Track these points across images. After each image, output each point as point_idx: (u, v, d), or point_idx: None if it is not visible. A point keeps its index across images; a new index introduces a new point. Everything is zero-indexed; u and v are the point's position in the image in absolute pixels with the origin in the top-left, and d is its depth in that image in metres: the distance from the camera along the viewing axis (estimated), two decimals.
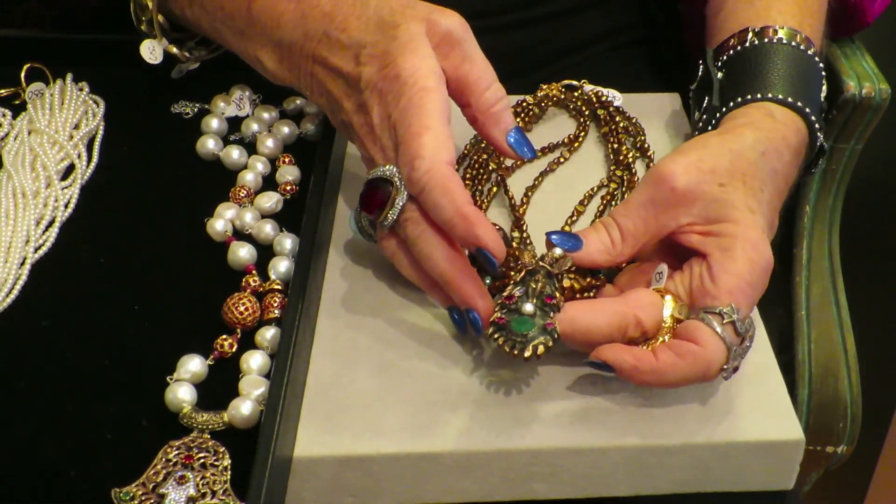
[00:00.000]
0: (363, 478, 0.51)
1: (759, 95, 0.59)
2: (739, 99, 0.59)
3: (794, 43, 0.61)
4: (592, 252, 0.53)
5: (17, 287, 0.56)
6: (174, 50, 0.67)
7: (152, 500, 0.47)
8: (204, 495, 0.48)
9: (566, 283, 0.53)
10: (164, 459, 0.49)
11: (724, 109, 0.60)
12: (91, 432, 0.50)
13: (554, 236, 0.53)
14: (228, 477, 0.48)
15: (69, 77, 0.68)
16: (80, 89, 0.68)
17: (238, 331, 0.54)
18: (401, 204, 0.52)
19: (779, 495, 0.54)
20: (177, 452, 0.49)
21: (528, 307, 0.50)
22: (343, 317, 0.57)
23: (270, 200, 0.62)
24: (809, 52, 0.61)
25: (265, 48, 0.59)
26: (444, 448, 0.50)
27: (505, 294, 0.51)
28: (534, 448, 0.51)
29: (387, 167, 0.53)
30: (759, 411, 0.52)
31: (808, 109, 0.58)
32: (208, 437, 0.50)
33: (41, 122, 0.65)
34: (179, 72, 0.70)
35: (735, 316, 0.50)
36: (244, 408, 0.50)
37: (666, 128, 0.71)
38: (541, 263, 0.52)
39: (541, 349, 0.49)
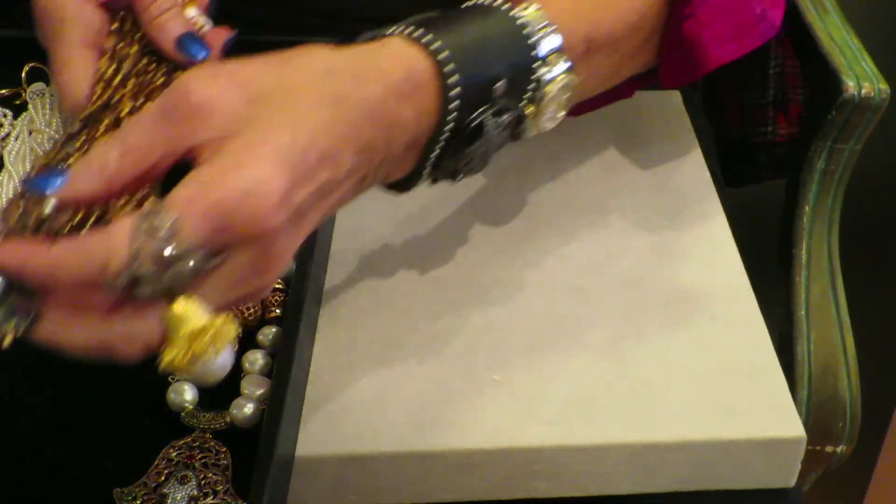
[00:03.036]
0: (365, 477, 0.51)
1: (401, 28, 0.48)
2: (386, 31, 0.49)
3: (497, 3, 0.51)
4: (79, 182, 0.42)
5: None
6: None
7: (154, 500, 0.47)
8: (206, 495, 0.47)
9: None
10: (165, 459, 0.49)
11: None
12: (92, 432, 0.50)
13: (27, 182, 0.42)
14: (230, 476, 0.48)
15: None
16: None
17: (240, 330, 0.54)
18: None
19: (780, 493, 0.54)
20: (178, 452, 0.49)
21: None
22: (344, 316, 0.57)
23: None
24: (511, 14, 0.50)
25: None
26: (445, 446, 0.50)
27: None
28: (535, 446, 0.51)
29: None
30: (761, 409, 0.52)
31: (442, 51, 0.47)
32: (210, 436, 0.50)
33: (42, 122, 0.64)
34: None
35: (162, 222, 0.39)
36: (246, 408, 0.50)
37: (666, 127, 0.71)
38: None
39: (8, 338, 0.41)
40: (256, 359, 0.53)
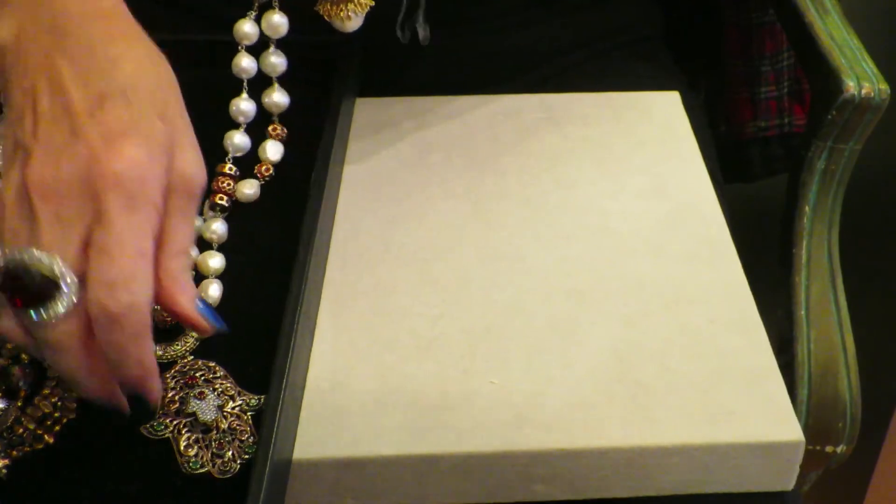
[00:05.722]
0: (363, 480, 0.51)
1: None
2: None
3: None
4: None
5: None
6: None
7: (186, 421, 0.47)
8: (230, 398, 0.50)
9: None
10: (168, 390, 0.50)
11: None
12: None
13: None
14: (234, 382, 0.50)
15: None
16: None
17: None
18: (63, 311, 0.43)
19: (779, 496, 0.54)
20: (175, 380, 0.50)
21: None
22: (342, 319, 0.57)
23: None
24: None
25: None
26: (444, 450, 0.50)
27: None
28: (534, 450, 0.51)
29: (52, 258, 0.43)
30: (759, 412, 0.52)
31: None
32: (191, 357, 0.51)
33: None
34: None
35: None
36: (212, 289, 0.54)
37: (666, 127, 0.71)
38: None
39: None
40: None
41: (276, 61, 0.65)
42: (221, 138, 0.64)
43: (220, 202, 0.61)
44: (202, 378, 0.50)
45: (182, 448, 0.49)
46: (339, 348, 0.55)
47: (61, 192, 0.43)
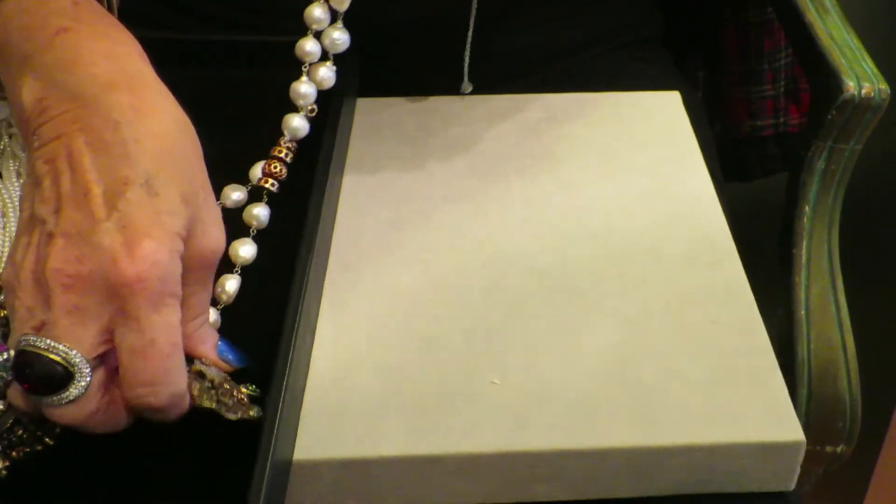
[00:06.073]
0: (364, 481, 0.51)
1: None
2: None
3: None
4: None
5: None
6: None
7: (202, 386, 0.49)
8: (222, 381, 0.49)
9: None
10: None
11: None
12: None
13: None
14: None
15: None
16: None
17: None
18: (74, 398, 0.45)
19: (780, 496, 0.54)
20: None
21: None
22: (343, 319, 0.56)
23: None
24: None
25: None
26: (445, 451, 0.50)
27: None
28: (535, 450, 0.51)
29: (69, 349, 0.44)
30: (760, 413, 0.52)
31: None
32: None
33: None
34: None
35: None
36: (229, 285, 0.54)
37: (666, 127, 0.71)
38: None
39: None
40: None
41: (339, 37, 0.63)
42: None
43: (268, 187, 0.60)
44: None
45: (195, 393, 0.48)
46: (339, 348, 0.55)
47: (82, 286, 0.43)
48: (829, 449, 0.78)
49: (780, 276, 0.78)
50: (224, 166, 0.59)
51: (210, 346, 0.49)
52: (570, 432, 0.51)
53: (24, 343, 0.44)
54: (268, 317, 0.54)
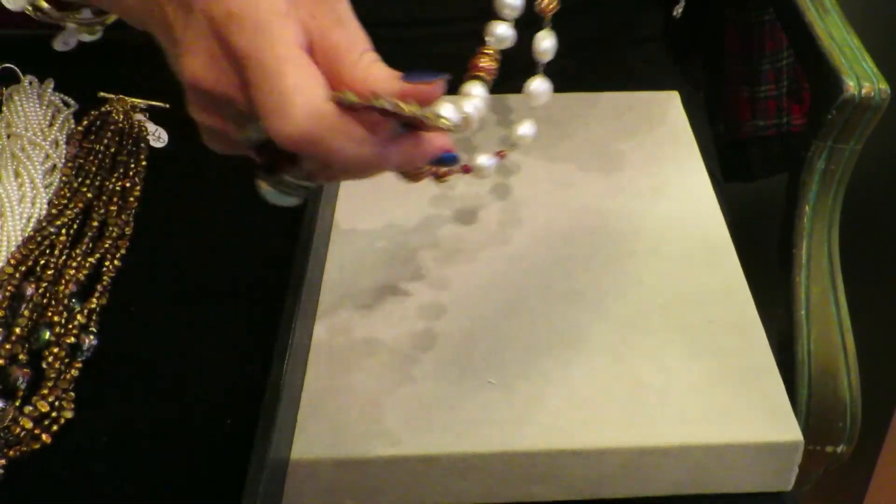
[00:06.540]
0: (362, 480, 0.51)
1: None
2: None
3: None
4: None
5: None
6: (45, 4, 0.57)
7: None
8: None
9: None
10: None
11: None
12: None
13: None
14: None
15: (27, 78, 0.67)
16: (45, 88, 0.67)
17: None
18: None
19: (778, 496, 0.54)
20: None
21: None
22: (341, 318, 0.56)
23: None
24: None
25: None
26: (442, 450, 0.50)
27: None
28: (532, 450, 0.50)
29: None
30: (758, 413, 0.52)
31: None
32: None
33: (20, 125, 0.64)
34: (65, 44, 0.61)
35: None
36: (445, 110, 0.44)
37: (666, 127, 0.71)
38: None
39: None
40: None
41: None
42: None
43: (482, 76, 0.57)
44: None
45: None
46: (337, 348, 0.55)
47: None
48: (828, 449, 0.78)
49: (779, 276, 0.78)
50: None
51: (385, 82, 0.42)
52: (567, 432, 0.51)
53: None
54: (265, 316, 0.55)
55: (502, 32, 0.60)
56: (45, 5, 0.57)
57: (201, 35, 0.42)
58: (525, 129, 0.56)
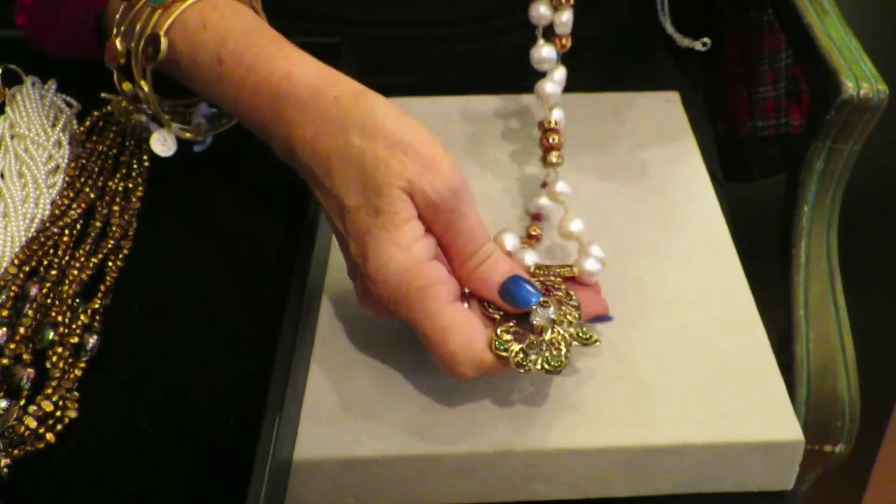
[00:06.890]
0: (365, 479, 0.51)
1: None
2: None
3: None
4: None
5: None
6: (188, 135, 0.61)
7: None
8: (563, 320, 0.51)
9: None
10: None
11: None
12: None
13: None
14: (580, 317, 0.52)
15: (29, 79, 0.67)
16: (48, 89, 0.67)
17: None
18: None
19: (778, 495, 0.54)
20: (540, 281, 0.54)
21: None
22: (343, 319, 0.57)
23: None
24: None
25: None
26: (445, 449, 0.51)
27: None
28: (535, 449, 0.51)
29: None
30: (759, 412, 0.52)
31: None
32: (560, 280, 0.54)
33: (23, 125, 0.64)
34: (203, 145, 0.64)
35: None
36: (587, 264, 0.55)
37: (665, 127, 0.71)
38: None
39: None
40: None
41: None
42: None
43: (553, 161, 0.61)
44: (556, 295, 0.52)
45: (498, 331, 0.49)
46: (340, 347, 0.55)
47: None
48: (827, 448, 0.78)
49: (779, 275, 0.78)
50: None
51: (489, 291, 0.51)
52: (568, 431, 0.51)
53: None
54: (267, 315, 0.55)
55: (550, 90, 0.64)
56: (188, 136, 0.61)
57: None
58: (574, 224, 0.59)
